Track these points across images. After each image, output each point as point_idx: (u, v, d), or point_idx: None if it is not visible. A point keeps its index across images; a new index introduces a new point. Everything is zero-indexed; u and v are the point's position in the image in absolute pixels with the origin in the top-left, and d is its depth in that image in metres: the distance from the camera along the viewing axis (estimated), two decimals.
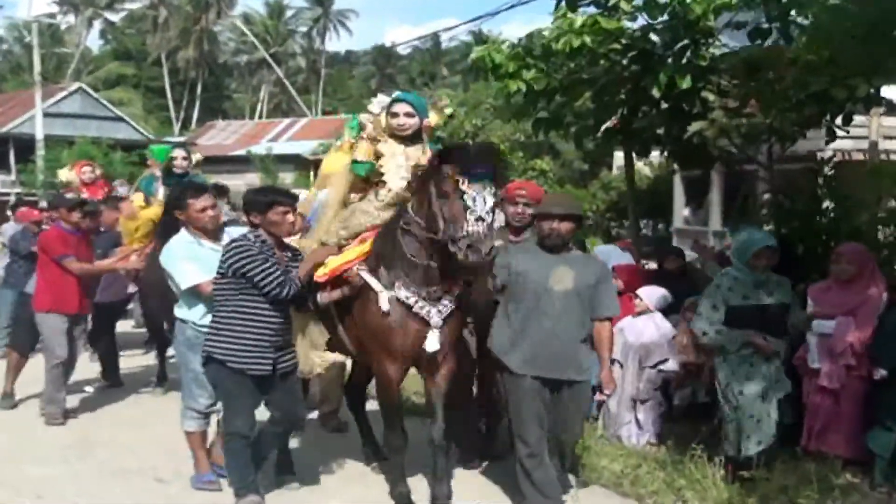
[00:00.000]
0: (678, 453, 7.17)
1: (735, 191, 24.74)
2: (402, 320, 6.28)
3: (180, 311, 6.94)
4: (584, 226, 6.69)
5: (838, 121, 8.94)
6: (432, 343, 6.26)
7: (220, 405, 6.84)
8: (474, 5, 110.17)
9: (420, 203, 6.24)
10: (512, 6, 28.21)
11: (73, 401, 9.43)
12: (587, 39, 8.63)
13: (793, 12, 8.13)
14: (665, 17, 8.60)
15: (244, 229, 6.64)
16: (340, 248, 6.61)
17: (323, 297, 6.53)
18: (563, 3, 8.96)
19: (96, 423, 8.95)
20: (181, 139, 43.80)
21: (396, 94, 7.02)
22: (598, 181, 29.00)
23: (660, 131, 9.34)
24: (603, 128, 9.77)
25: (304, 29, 77.28)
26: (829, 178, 9.01)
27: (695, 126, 8.83)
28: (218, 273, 6.27)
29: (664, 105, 9.20)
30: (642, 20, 8.97)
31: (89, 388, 10.28)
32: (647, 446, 7.69)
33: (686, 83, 8.37)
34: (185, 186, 7.59)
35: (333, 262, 6.48)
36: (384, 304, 6.25)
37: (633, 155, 10.85)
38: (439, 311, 6.28)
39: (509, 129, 28.21)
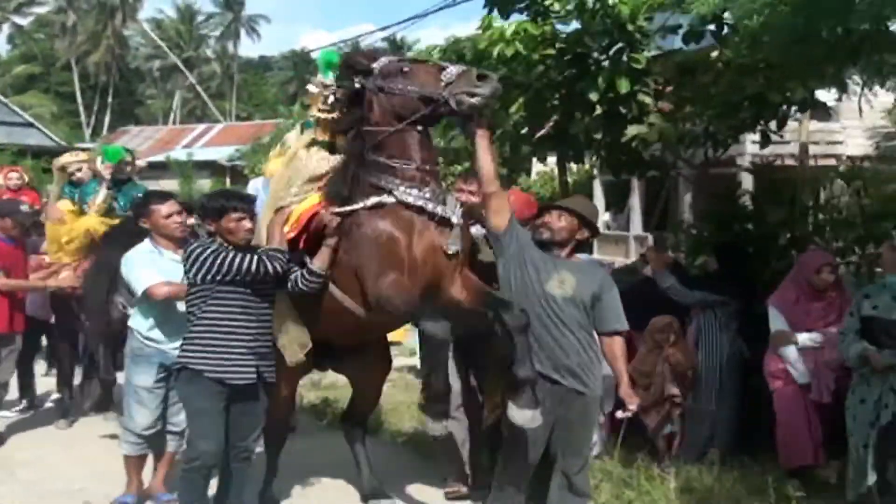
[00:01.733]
0: (627, 466, 7.04)
1: (656, 196, 25.19)
2: (415, 224, 5.69)
3: (132, 320, 6.60)
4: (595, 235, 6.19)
5: (772, 125, 8.97)
6: (454, 243, 5.71)
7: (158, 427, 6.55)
8: (389, 11, 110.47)
9: (371, 111, 5.83)
10: (427, 13, 28.33)
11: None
12: (519, 47, 8.57)
13: (726, 14, 8.13)
14: (597, 20, 8.56)
15: None
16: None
17: (316, 262, 5.80)
18: (495, 11, 8.92)
19: (18, 443, 8.54)
20: (90, 145, 42.92)
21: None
22: (516, 186, 29.02)
23: (597, 136, 9.24)
24: (538, 135, 9.66)
25: (216, 34, 76.56)
26: (775, 181, 9.07)
27: (632, 130, 8.76)
28: (188, 285, 5.80)
29: (599, 110, 9.12)
30: (576, 24, 8.92)
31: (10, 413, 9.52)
32: (594, 460, 7.33)
33: (625, 86, 8.33)
34: (148, 192, 7.31)
35: (295, 213, 6.01)
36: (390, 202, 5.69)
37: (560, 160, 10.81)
38: (452, 208, 5.81)
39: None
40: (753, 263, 8.28)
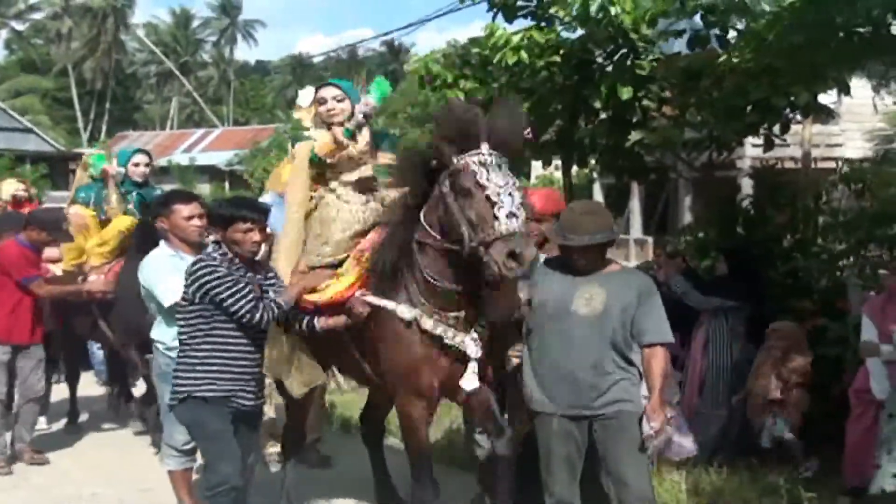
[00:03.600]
0: None
1: (655, 199, 25.27)
2: (430, 354, 5.35)
3: (155, 332, 6.24)
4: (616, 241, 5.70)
5: (775, 129, 9.03)
6: (470, 381, 5.32)
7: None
8: (388, 14, 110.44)
9: (433, 208, 5.27)
10: (429, 18, 28.38)
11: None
12: (524, 55, 8.61)
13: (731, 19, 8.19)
14: (600, 27, 8.60)
15: None
16: (332, 267, 5.83)
17: (321, 324, 5.64)
18: (500, 16, 8.96)
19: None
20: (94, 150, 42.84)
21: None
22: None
23: (601, 141, 9.30)
24: (542, 140, 9.71)
25: (213, 39, 76.61)
26: (776, 185, 9.13)
27: (635, 135, 8.82)
28: (182, 299, 5.41)
29: (603, 115, 9.17)
30: (580, 31, 8.96)
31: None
32: None
33: (627, 93, 8.38)
34: (172, 191, 6.97)
35: (333, 289, 5.62)
36: (408, 331, 5.35)
37: (555, 165, 10.86)
38: (474, 340, 5.32)
39: (427, 139, 28.20)
40: (759, 266, 8.33)
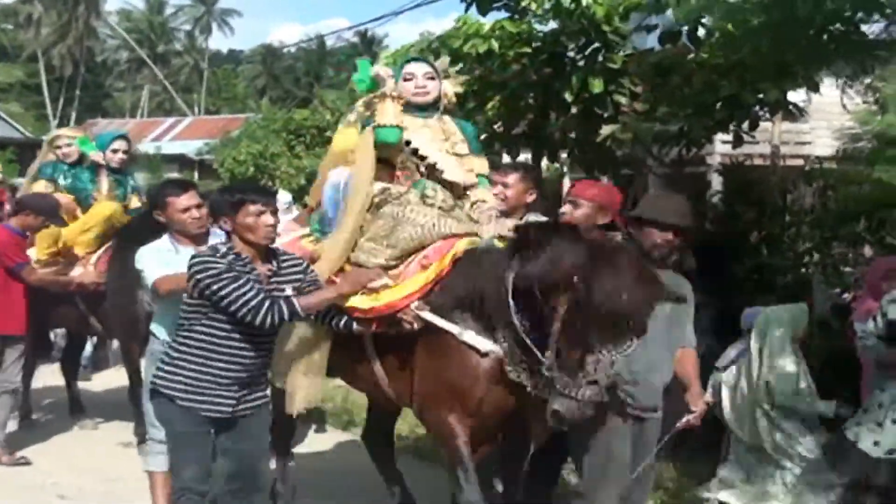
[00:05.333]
0: None
1: (625, 194, 25.31)
2: (500, 387, 4.83)
3: (153, 324, 5.90)
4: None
5: (744, 126, 9.06)
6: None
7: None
8: (361, 4, 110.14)
9: (523, 309, 4.62)
10: (404, 10, 28.30)
11: None
12: (494, 44, 8.59)
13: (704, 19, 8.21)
14: (573, 20, 8.61)
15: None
16: (386, 269, 5.16)
17: (361, 328, 5.12)
18: (473, 10, 8.96)
19: None
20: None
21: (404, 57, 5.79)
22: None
23: (572, 135, 9.32)
24: (513, 132, 9.70)
25: (188, 27, 76.17)
26: (745, 181, 9.18)
27: (606, 130, 8.84)
28: (189, 294, 4.97)
29: (574, 109, 9.18)
30: (553, 23, 8.96)
31: None
32: None
33: (598, 87, 8.40)
34: (165, 181, 6.60)
35: (389, 296, 5.01)
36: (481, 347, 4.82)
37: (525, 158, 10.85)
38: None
39: None
40: (726, 262, 8.37)
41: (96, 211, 8.50)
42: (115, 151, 8.91)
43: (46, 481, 7.25)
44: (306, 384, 5.43)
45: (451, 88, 5.73)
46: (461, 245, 5.08)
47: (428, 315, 4.94)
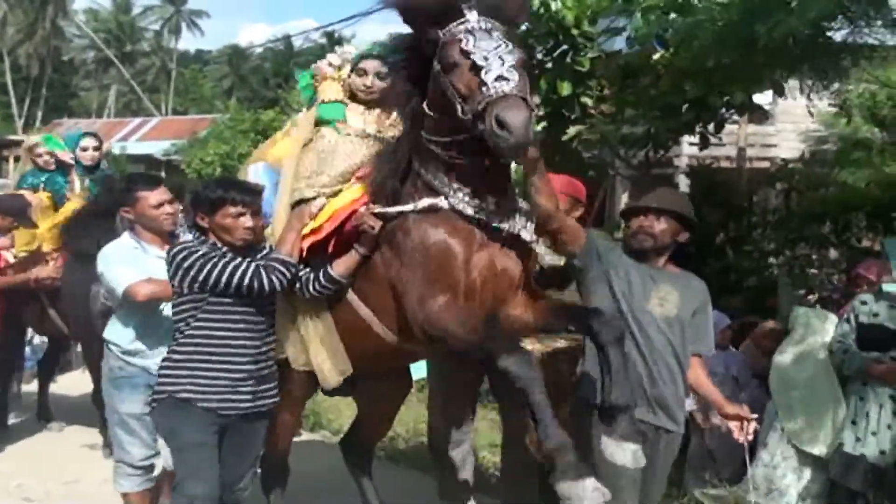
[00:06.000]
0: None
1: (592, 196, 25.41)
2: (478, 242, 4.45)
3: (108, 332, 5.53)
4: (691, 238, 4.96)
5: (710, 127, 9.13)
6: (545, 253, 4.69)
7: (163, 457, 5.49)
8: (329, 5, 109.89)
9: (432, 100, 4.45)
10: (372, 11, 28.28)
11: None
12: None
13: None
14: (541, 23, 8.64)
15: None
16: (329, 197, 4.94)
17: (339, 267, 4.73)
18: None
19: None
20: (23, 138, 42.16)
21: (366, 49, 5.37)
22: None
23: (540, 137, 9.33)
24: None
25: (156, 27, 75.76)
26: (711, 183, 9.25)
27: (574, 131, 8.88)
28: (174, 294, 4.74)
29: (542, 111, 9.20)
30: (522, 26, 8.99)
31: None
32: None
33: (567, 88, 8.44)
34: (133, 175, 6.22)
35: (328, 210, 4.83)
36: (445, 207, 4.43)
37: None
38: (524, 227, 4.54)
39: None
40: (694, 264, 8.41)
41: (66, 208, 8.23)
42: (84, 149, 8.65)
43: (10, 484, 7.20)
44: (331, 354, 5.01)
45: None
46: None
47: (379, 208, 4.64)
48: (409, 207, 4.54)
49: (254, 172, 5.38)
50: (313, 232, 4.85)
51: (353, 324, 4.92)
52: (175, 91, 71.65)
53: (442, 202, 4.50)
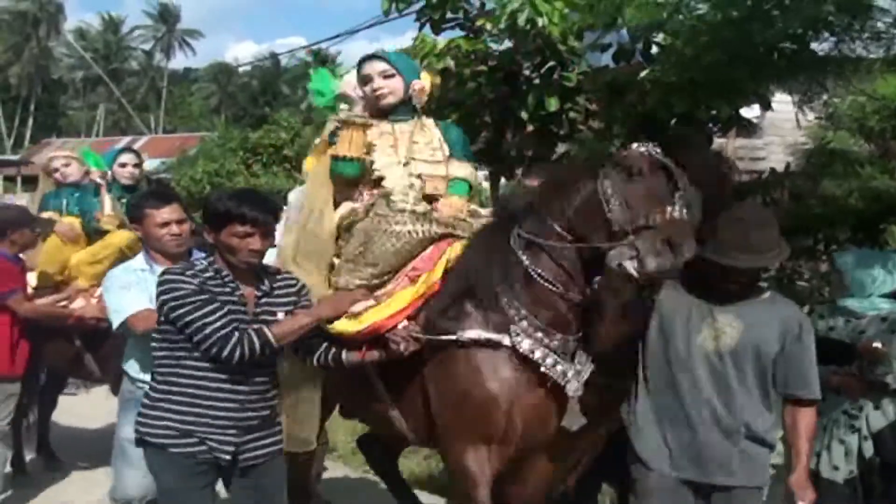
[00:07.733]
0: None
1: None
2: (524, 387, 4.20)
3: (125, 358, 5.28)
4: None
5: None
6: (575, 418, 4.27)
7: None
8: (317, 24, 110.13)
9: (559, 193, 4.23)
10: (359, 28, 28.24)
11: None
12: (450, 62, 8.63)
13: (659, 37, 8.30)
14: (528, 39, 8.67)
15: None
16: (373, 290, 4.65)
17: (353, 357, 4.52)
18: (427, 28, 9.01)
19: None
20: (14, 157, 42.12)
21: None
22: None
23: (528, 153, 9.37)
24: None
25: (146, 46, 75.90)
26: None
27: (562, 148, 8.91)
28: (158, 321, 4.36)
29: (530, 127, 9.23)
30: (508, 42, 9.03)
31: None
32: None
33: (554, 105, 8.47)
34: (147, 191, 5.89)
35: (373, 317, 4.47)
36: (504, 362, 4.18)
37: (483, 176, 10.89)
38: (578, 373, 4.25)
39: None
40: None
41: (108, 241, 7.46)
42: (122, 165, 8.04)
43: None
44: (300, 421, 4.88)
45: (427, 80, 5.25)
46: (453, 251, 4.61)
47: (418, 331, 4.40)
48: (455, 335, 4.29)
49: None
50: (349, 335, 4.55)
51: (381, 416, 4.82)
52: (165, 110, 71.70)
53: (504, 339, 4.23)
